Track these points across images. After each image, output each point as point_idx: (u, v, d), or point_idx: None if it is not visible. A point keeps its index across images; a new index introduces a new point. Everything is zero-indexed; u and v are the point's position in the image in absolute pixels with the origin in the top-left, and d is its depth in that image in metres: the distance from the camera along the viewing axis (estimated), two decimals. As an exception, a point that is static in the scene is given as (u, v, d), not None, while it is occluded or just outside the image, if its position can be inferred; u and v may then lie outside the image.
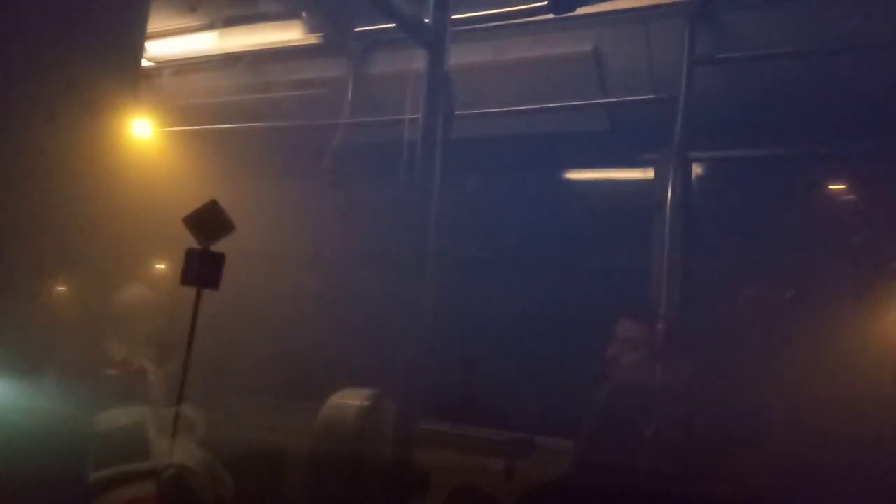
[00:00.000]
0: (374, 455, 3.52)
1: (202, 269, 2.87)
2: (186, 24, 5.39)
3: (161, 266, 4.50)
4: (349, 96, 5.10)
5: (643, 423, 3.23)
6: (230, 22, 5.31)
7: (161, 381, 3.83)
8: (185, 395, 2.95)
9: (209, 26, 5.36)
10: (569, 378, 3.86)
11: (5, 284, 2.69)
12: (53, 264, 2.85)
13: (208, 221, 2.89)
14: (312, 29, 5.11)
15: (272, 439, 3.97)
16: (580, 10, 4.09)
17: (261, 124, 5.45)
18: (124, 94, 3.22)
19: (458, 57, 4.21)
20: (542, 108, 4.57)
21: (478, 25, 4.53)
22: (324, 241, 5.06)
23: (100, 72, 3.01)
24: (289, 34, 5.17)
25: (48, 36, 2.83)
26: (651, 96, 4.25)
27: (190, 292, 2.87)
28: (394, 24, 4.44)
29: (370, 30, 4.98)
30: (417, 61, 4.17)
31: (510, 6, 4.43)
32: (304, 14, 5.06)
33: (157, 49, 5.55)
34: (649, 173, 4.48)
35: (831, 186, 3.86)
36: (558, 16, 4.19)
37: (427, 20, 4.08)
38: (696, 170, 4.28)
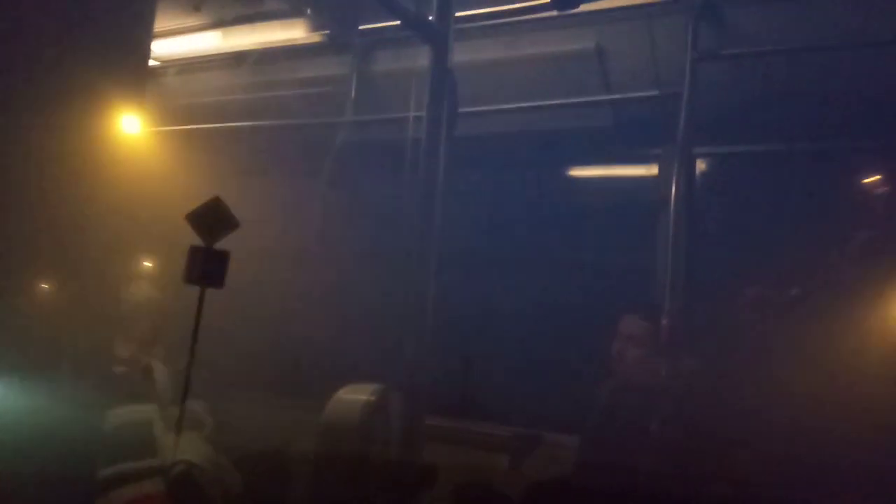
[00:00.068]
0: (380, 450, 3.54)
1: (206, 268, 2.84)
2: (191, 23, 5.40)
3: (164, 264, 4.51)
4: (353, 94, 5.11)
5: (647, 420, 3.24)
6: (234, 21, 5.32)
7: (168, 379, 3.86)
8: (192, 392, 2.96)
9: (213, 25, 5.37)
10: (573, 375, 3.87)
11: (7, 283, 2.70)
12: (57, 263, 2.87)
13: (212, 218, 2.86)
14: (316, 27, 5.12)
15: (278, 435, 3.99)
16: (583, 7, 4.08)
17: (265, 123, 5.47)
18: (130, 94, 3.22)
19: (462, 54, 4.22)
20: (545, 104, 4.58)
21: (481, 23, 4.52)
22: (328, 239, 5.07)
23: (106, 71, 3.01)
24: (293, 32, 5.18)
25: (54, 35, 2.84)
26: (654, 93, 4.25)
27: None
28: (398, 22, 4.45)
29: (374, 27, 4.99)
30: (421, 59, 4.18)
31: (514, 3, 4.42)
32: (308, 12, 5.06)
33: (161, 48, 5.57)
34: (653, 170, 4.48)
35: (836, 183, 3.85)
36: (561, 13, 4.19)
37: (431, 17, 4.08)
38: (700, 166, 4.27)
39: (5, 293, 2.72)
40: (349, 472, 3.37)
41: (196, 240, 2.89)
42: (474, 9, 4.48)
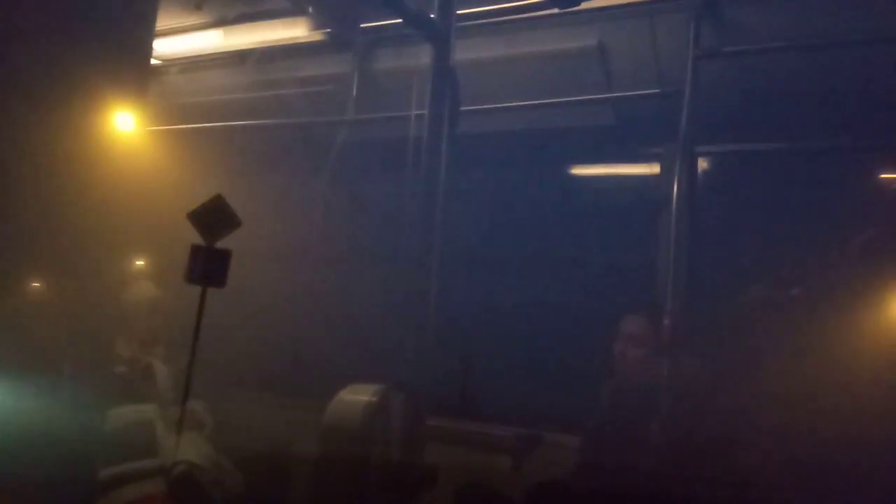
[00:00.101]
0: (382, 451, 3.54)
1: (207, 267, 2.83)
2: (192, 22, 5.39)
3: (165, 263, 4.51)
4: (354, 92, 5.10)
5: (648, 420, 3.23)
6: (236, 19, 5.31)
7: (168, 379, 3.86)
8: (193, 392, 2.96)
9: (215, 24, 5.36)
10: (574, 374, 3.86)
11: (6, 283, 2.71)
12: (58, 263, 2.87)
13: (213, 217, 2.85)
14: (318, 25, 5.11)
15: (280, 435, 3.99)
16: (585, 5, 4.06)
17: (266, 121, 5.46)
18: (133, 92, 3.23)
19: (464, 52, 4.20)
20: (547, 102, 4.57)
21: (483, 20, 4.51)
22: (329, 238, 5.06)
23: (108, 70, 3.02)
24: (294, 31, 5.17)
25: (56, 34, 2.84)
26: (656, 91, 4.24)
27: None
28: (399, 20, 4.44)
29: (375, 26, 4.98)
30: (423, 57, 4.17)
31: (515, 1, 4.41)
32: (309, 10, 5.06)
33: (163, 47, 5.56)
34: (655, 168, 4.46)
35: (838, 181, 3.83)
36: (563, 10, 4.18)
37: (432, 15, 4.07)
38: (702, 164, 4.25)
39: (5, 293, 2.72)
40: (350, 473, 3.37)
41: (198, 238, 2.88)
42: (476, 7, 4.46)
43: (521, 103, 4.65)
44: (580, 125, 4.54)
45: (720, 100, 4.00)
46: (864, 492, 2.89)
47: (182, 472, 3.42)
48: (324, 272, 4.90)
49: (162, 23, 5.25)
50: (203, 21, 5.36)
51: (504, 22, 4.54)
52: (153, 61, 5.54)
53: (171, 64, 5.78)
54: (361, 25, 5.04)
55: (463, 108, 4.21)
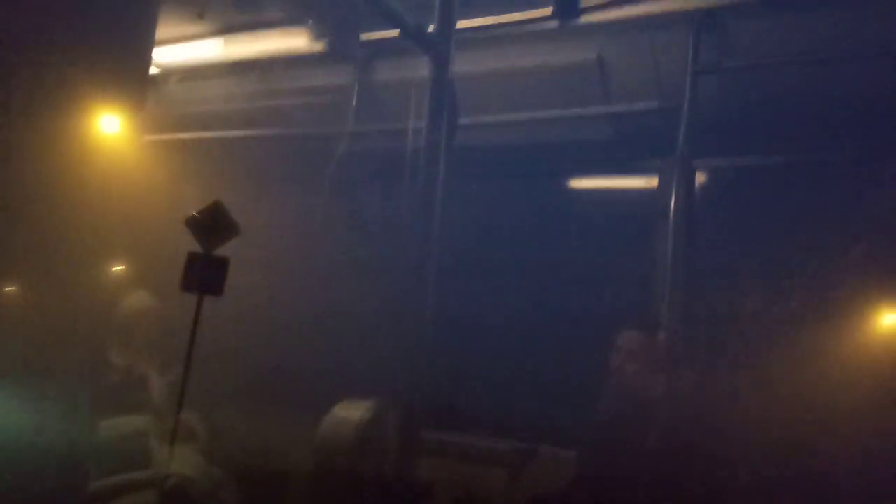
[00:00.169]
0: (376, 466, 3.51)
1: (204, 275, 2.74)
2: (193, 32, 5.41)
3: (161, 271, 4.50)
4: (354, 104, 5.11)
5: (645, 434, 3.21)
6: (236, 29, 5.32)
7: (162, 390, 3.83)
8: (186, 403, 2.93)
9: (215, 33, 5.38)
10: (571, 387, 3.84)
11: (3, 292, 2.69)
12: (51, 272, 2.85)
13: (212, 224, 2.77)
14: (318, 37, 5.12)
15: (273, 449, 3.96)
16: (584, 19, 4.08)
17: (266, 132, 5.46)
18: (132, 101, 3.22)
19: (463, 65, 4.21)
20: (546, 116, 4.57)
21: (482, 34, 4.52)
22: (327, 248, 5.05)
23: (108, 78, 3.02)
24: (294, 42, 5.18)
25: (57, 42, 2.84)
26: (655, 105, 4.25)
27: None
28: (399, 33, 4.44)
29: (375, 38, 4.99)
30: (422, 70, 4.18)
31: (514, 15, 4.42)
32: (309, 22, 5.07)
33: (163, 56, 5.57)
34: (653, 181, 4.46)
35: (834, 194, 3.84)
36: (562, 25, 4.19)
37: (431, 29, 4.08)
38: (700, 178, 4.26)
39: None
40: (345, 488, 3.34)
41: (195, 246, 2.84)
42: (475, 20, 4.47)
43: (520, 116, 4.65)
44: (579, 138, 4.54)
45: (718, 114, 4.01)
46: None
47: (175, 485, 3.38)
48: (321, 283, 4.88)
49: (163, 32, 5.26)
50: (204, 31, 5.37)
51: (503, 36, 4.55)
52: (154, 70, 5.56)
53: (172, 73, 5.78)
54: (361, 38, 5.06)
55: (462, 121, 4.22)
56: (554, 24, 4.25)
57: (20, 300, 2.82)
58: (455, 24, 4.15)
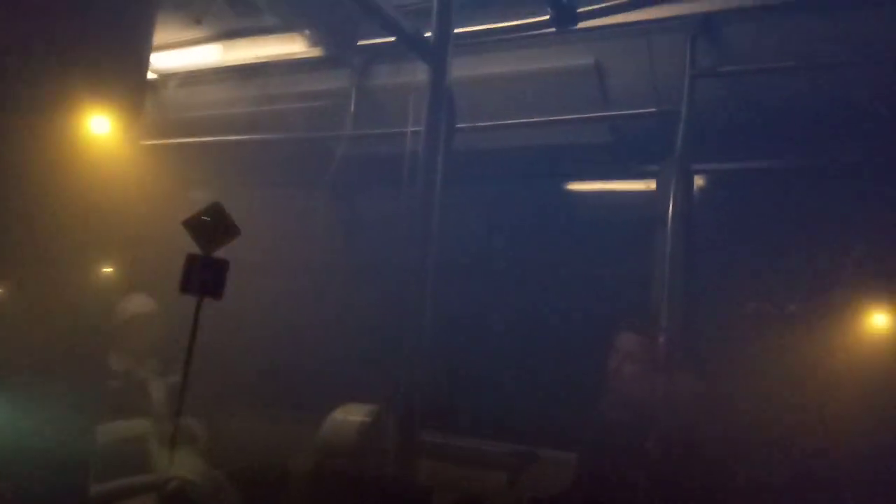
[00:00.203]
0: (376, 470, 3.51)
1: (204, 277, 2.72)
2: (191, 37, 5.41)
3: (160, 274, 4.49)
4: (352, 109, 5.12)
5: (643, 437, 3.22)
6: (234, 35, 5.33)
7: (163, 393, 3.83)
8: (187, 407, 2.92)
9: (213, 39, 5.38)
10: (570, 390, 3.85)
11: (3, 293, 2.69)
12: (47, 274, 2.85)
13: (211, 225, 2.75)
14: (316, 42, 5.13)
15: (273, 452, 3.95)
16: (582, 24, 4.10)
17: (264, 136, 5.47)
18: (129, 106, 3.22)
19: (460, 70, 4.22)
20: (544, 120, 4.59)
21: (480, 39, 4.54)
22: (326, 252, 5.06)
23: (105, 83, 3.02)
24: (292, 47, 5.19)
25: (55, 47, 2.84)
26: (653, 109, 4.27)
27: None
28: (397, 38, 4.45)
29: (373, 43, 5.00)
30: (420, 74, 4.19)
31: (512, 21, 4.44)
32: (307, 28, 5.08)
33: (161, 61, 5.58)
34: (651, 185, 4.47)
35: (832, 198, 3.86)
36: (560, 30, 4.20)
37: (428, 35, 4.09)
38: (698, 182, 4.28)
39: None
40: (345, 490, 3.34)
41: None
42: (472, 26, 4.49)
43: (518, 121, 4.66)
44: (577, 143, 4.56)
45: (716, 118, 4.04)
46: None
47: (175, 489, 3.38)
48: (320, 286, 4.89)
49: (161, 37, 5.27)
50: (202, 36, 5.37)
51: (501, 41, 4.57)
52: (152, 75, 5.56)
53: (169, 78, 5.78)
54: (359, 43, 5.07)
55: (460, 126, 4.23)
56: (551, 29, 4.26)
57: (20, 302, 2.81)
58: (452, 31, 4.16)
